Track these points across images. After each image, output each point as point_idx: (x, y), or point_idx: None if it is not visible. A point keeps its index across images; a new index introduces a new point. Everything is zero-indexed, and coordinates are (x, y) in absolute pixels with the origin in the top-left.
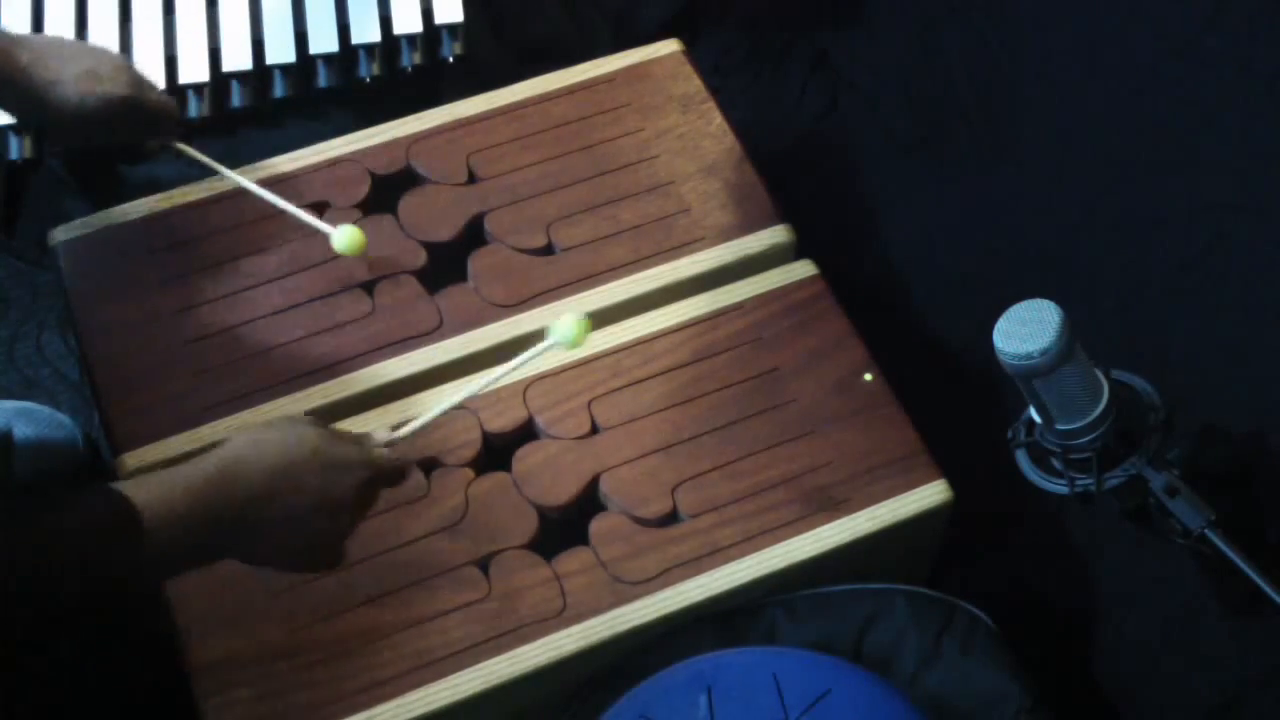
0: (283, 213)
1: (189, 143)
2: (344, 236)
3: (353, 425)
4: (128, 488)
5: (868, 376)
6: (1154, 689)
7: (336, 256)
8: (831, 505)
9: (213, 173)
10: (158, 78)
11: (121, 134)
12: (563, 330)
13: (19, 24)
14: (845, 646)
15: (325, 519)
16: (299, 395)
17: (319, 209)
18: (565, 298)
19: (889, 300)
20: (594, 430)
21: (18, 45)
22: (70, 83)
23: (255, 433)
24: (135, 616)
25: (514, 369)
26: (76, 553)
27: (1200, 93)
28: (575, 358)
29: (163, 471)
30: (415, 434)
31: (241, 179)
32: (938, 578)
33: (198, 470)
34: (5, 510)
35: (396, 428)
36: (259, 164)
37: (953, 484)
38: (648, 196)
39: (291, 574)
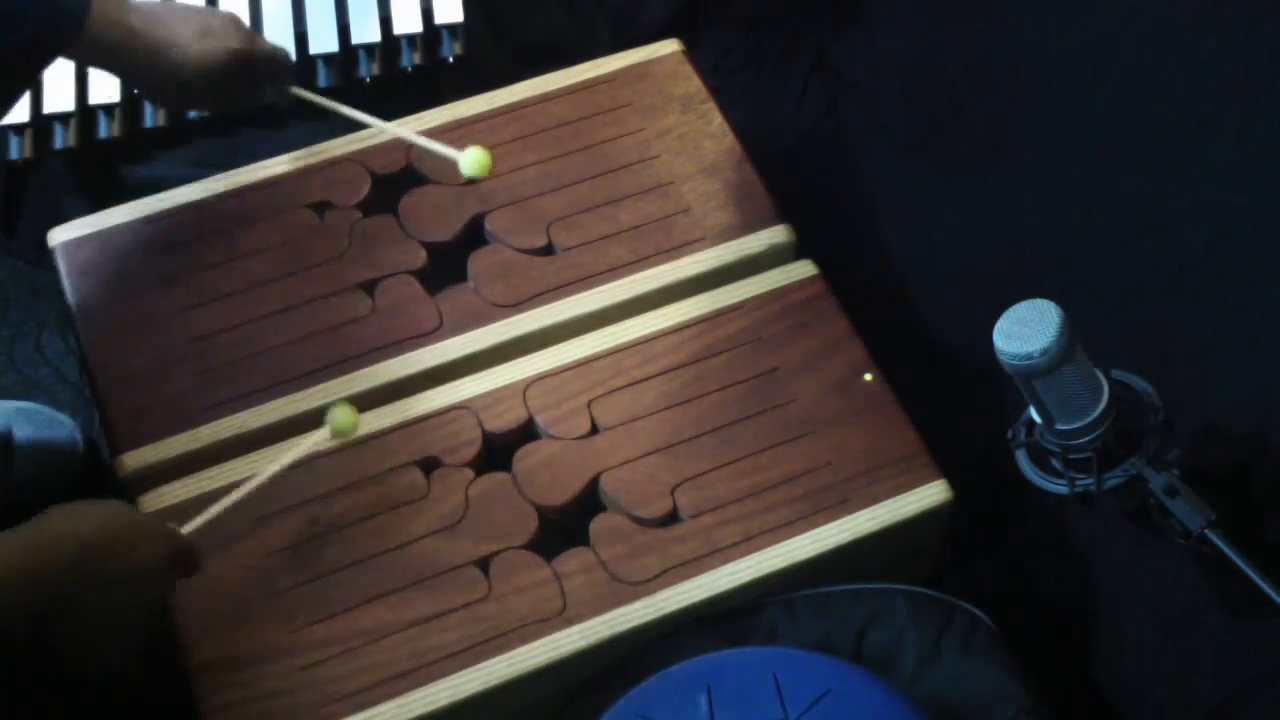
0: (413, 145)
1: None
2: (470, 160)
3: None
4: None
5: (868, 376)
6: (1154, 689)
7: (336, 256)
8: (831, 505)
9: (359, 124)
10: None
11: (243, 88)
12: (334, 420)
13: None
14: (845, 646)
15: (140, 586)
16: (299, 395)
17: (319, 209)
18: (565, 297)
19: (889, 300)
20: (594, 430)
21: (129, 11)
22: (184, 42)
23: (69, 506)
24: None
25: (287, 464)
26: None
27: (1200, 93)
28: (575, 358)
29: None
30: (202, 527)
31: (366, 117)
32: (938, 578)
33: (15, 535)
34: None
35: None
36: (260, 164)
37: (953, 484)
38: (648, 196)
39: (82, 661)
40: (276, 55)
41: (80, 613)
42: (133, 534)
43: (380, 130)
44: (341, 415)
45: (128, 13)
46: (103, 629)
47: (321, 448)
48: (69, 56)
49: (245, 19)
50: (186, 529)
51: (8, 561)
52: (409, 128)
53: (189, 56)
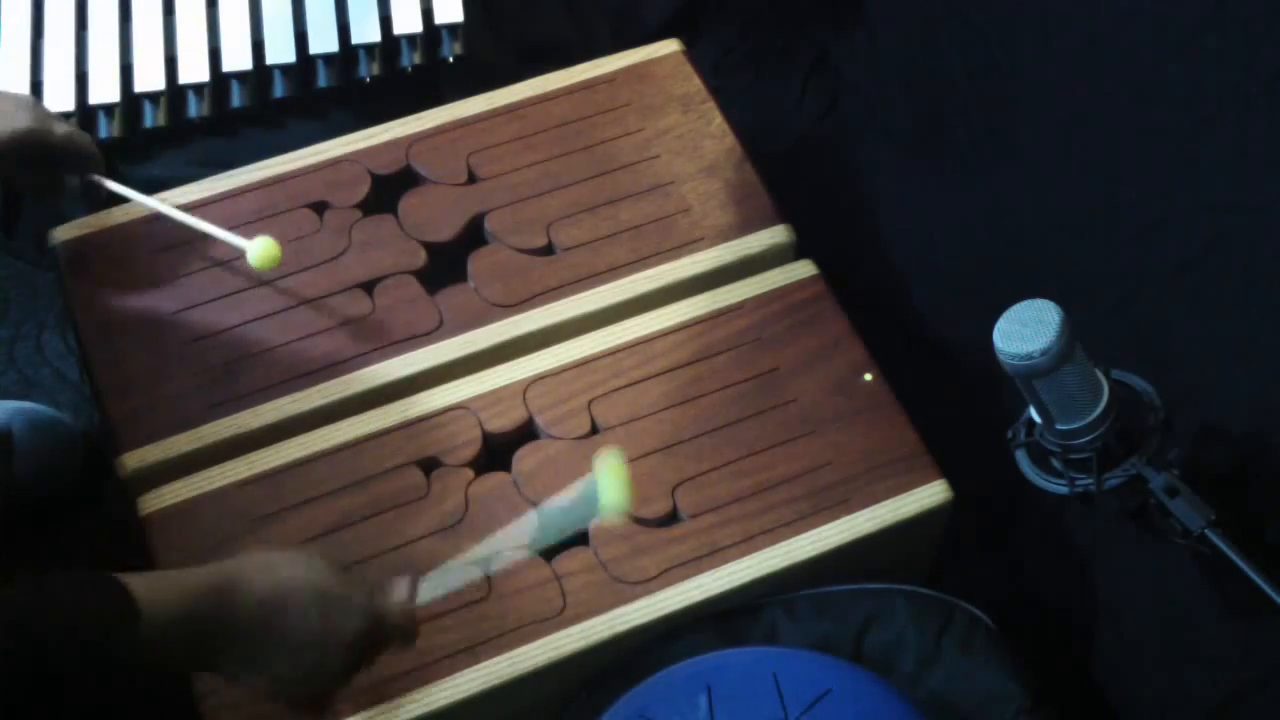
0: (204, 235)
1: (112, 175)
2: (259, 250)
3: (353, 426)
4: (127, 579)
5: (868, 376)
6: (1154, 689)
7: (336, 256)
8: (831, 505)
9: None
10: (157, 78)
11: (28, 171)
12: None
13: (19, 24)
14: (845, 646)
15: (317, 655)
16: (299, 395)
17: (319, 209)
18: (565, 297)
19: (889, 300)
20: (594, 430)
21: None
22: None
23: (266, 553)
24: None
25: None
26: (72, 632)
27: (1200, 93)
28: (575, 358)
29: (167, 571)
30: (434, 599)
31: (159, 205)
32: (938, 578)
33: (202, 574)
34: (8, 582)
35: (414, 587)
36: (260, 164)
37: (953, 484)
38: (648, 196)
39: (275, 702)
40: (73, 141)
41: (260, 659)
42: (322, 599)
43: (182, 221)
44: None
45: None
46: (278, 680)
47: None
48: None
49: (245, 20)
50: (416, 597)
51: (191, 599)
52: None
53: None
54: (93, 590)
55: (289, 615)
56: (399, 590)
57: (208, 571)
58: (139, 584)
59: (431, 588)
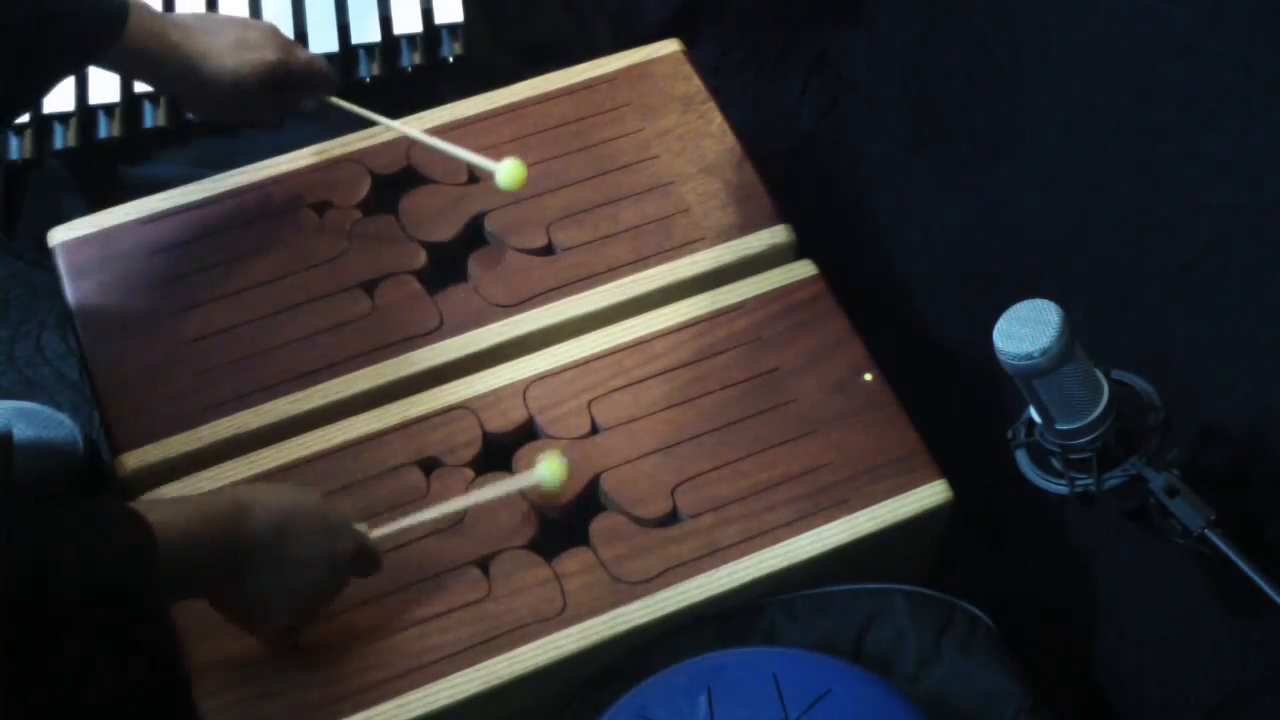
0: (450, 156)
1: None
2: (507, 173)
3: (353, 426)
4: (141, 505)
5: (868, 376)
6: (1154, 689)
7: (336, 256)
8: (831, 505)
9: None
10: None
11: (277, 98)
12: (542, 472)
13: None
14: (845, 646)
15: (315, 573)
16: (299, 395)
17: (319, 209)
18: (565, 297)
19: (889, 300)
20: (594, 430)
21: (168, 25)
22: (221, 55)
23: (264, 484)
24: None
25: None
26: (88, 559)
27: (1200, 93)
28: (575, 358)
29: (176, 497)
30: (396, 534)
31: (403, 128)
32: (938, 578)
33: (212, 500)
34: (21, 514)
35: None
36: (260, 164)
37: (953, 484)
38: (648, 196)
39: (263, 629)
40: (313, 65)
41: (251, 583)
42: (315, 522)
43: (427, 143)
44: (551, 468)
45: (166, 25)
46: (272, 604)
47: (526, 489)
48: (107, 66)
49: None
50: (375, 533)
51: (204, 523)
52: (442, 138)
53: (223, 69)
54: (107, 519)
55: (295, 535)
56: (362, 528)
57: (217, 496)
58: (151, 509)
59: (391, 527)
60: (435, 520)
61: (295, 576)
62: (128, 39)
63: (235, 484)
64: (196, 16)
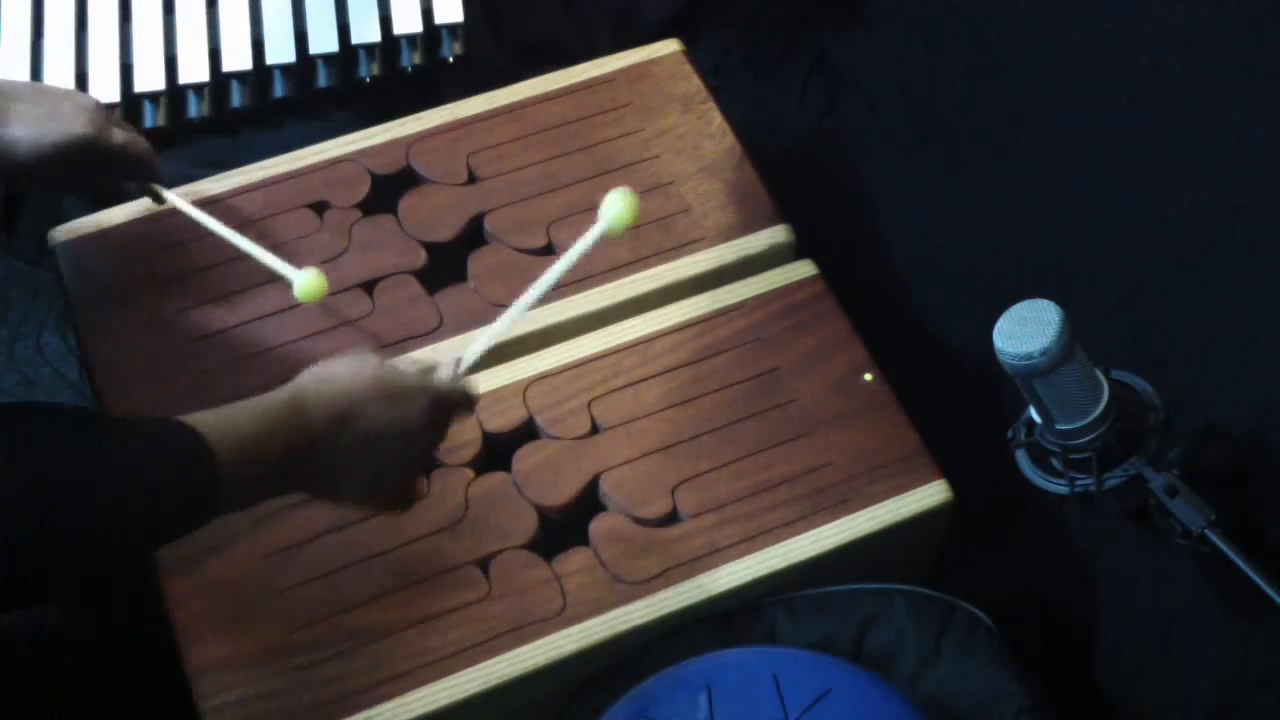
0: (249, 256)
1: (168, 185)
2: (304, 283)
3: None
4: (195, 419)
5: (868, 376)
6: (1154, 689)
7: (336, 256)
8: (831, 505)
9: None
10: (157, 78)
11: (84, 176)
12: (610, 211)
13: (19, 24)
14: (845, 646)
15: (395, 445)
16: None
17: (319, 209)
18: (565, 297)
19: (889, 300)
20: (594, 430)
21: None
22: (25, 123)
23: (320, 366)
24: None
25: (566, 268)
26: (149, 479)
27: (1200, 93)
28: (575, 358)
29: (231, 405)
30: (477, 363)
31: (218, 226)
32: (938, 578)
33: (267, 402)
34: (76, 437)
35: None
36: (260, 164)
37: (953, 484)
38: (648, 196)
39: (368, 509)
40: (131, 148)
41: (341, 467)
42: (382, 393)
43: (244, 248)
44: (623, 203)
45: None
46: (363, 483)
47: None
48: None
49: (245, 20)
50: (460, 369)
51: (261, 426)
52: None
53: (22, 138)
54: (162, 436)
55: (358, 418)
56: (445, 369)
57: (270, 397)
58: (207, 420)
59: (471, 355)
60: (502, 334)
61: (375, 458)
62: None
63: (293, 379)
64: (15, 84)
